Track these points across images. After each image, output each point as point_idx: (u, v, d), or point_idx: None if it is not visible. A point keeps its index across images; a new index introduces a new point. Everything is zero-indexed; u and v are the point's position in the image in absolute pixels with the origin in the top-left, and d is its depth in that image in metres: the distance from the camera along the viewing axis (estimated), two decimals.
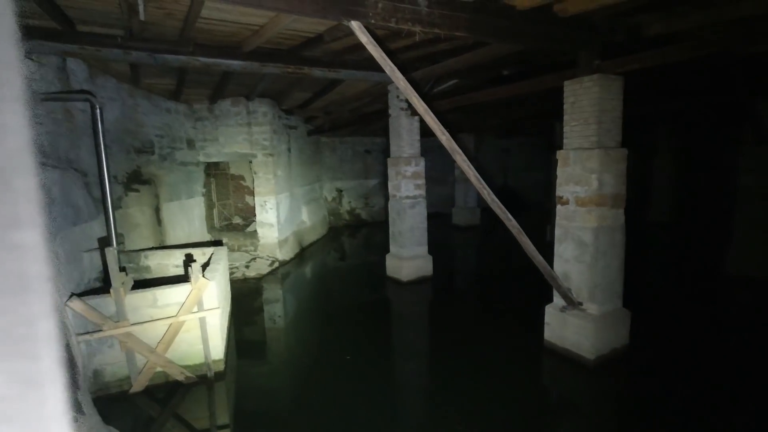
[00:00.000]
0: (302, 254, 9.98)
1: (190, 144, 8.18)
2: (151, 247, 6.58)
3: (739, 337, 5.33)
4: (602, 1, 3.47)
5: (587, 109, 4.15)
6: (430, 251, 7.67)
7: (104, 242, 4.91)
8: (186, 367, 4.22)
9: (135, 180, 6.50)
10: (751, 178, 6.67)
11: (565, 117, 4.39)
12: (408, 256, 7.36)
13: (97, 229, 4.98)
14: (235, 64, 5.21)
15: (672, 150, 12.32)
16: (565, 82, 4.37)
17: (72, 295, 3.76)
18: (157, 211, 7.07)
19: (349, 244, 11.77)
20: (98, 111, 4.68)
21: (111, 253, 3.87)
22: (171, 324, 4.08)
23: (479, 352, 4.85)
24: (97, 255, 4.86)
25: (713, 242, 9.42)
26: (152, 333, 4.06)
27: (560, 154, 4.46)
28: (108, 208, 4.77)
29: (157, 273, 5.63)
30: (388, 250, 7.81)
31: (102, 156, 4.72)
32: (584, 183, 4.22)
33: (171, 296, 4.14)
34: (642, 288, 6.95)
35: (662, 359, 4.55)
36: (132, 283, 4.28)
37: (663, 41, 4.13)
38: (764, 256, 6.66)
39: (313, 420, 3.66)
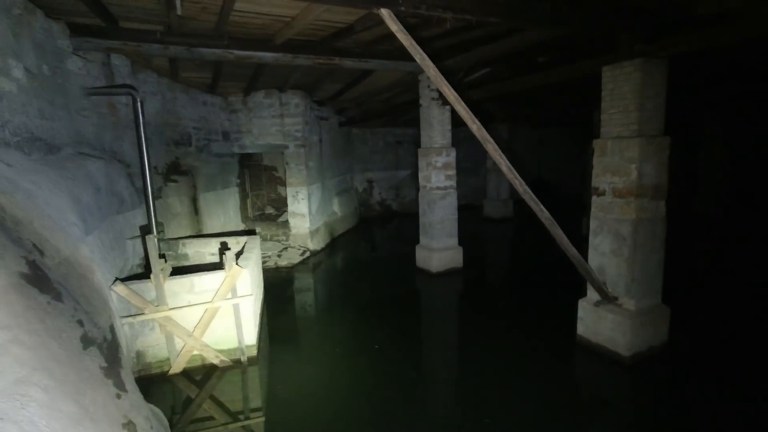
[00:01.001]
0: (333, 244, 10.10)
1: (225, 136, 8.40)
2: (188, 235, 6.84)
3: None
4: None
5: (627, 95, 3.96)
6: (460, 243, 7.59)
7: (145, 230, 5.15)
8: (221, 351, 4.38)
9: (174, 171, 6.76)
10: None
11: (603, 104, 4.21)
12: (438, 248, 7.32)
13: (139, 218, 5.22)
14: (267, 56, 5.30)
15: (721, 138, 11.58)
16: (604, 68, 4.18)
17: (116, 279, 3.96)
18: (194, 201, 7.33)
19: (379, 235, 11.82)
20: (139, 104, 4.87)
21: (151, 240, 4.04)
22: (207, 309, 4.24)
23: (509, 346, 4.79)
24: (139, 242, 5.10)
25: (763, 237, 8.85)
26: (190, 318, 4.23)
27: (597, 144, 4.29)
28: (149, 198, 4.98)
29: (194, 260, 5.85)
30: (418, 242, 7.79)
31: (143, 148, 4.92)
32: (623, 173, 4.04)
33: (207, 283, 4.29)
34: (684, 284, 6.63)
35: (702, 359, 4.34)
36: (171, 269, 4.46)
37: (714, 20, 3.86)
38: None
39: (341, 406, 3.73)
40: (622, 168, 4.05)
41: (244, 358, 4.42)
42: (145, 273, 4.75)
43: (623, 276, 4.16)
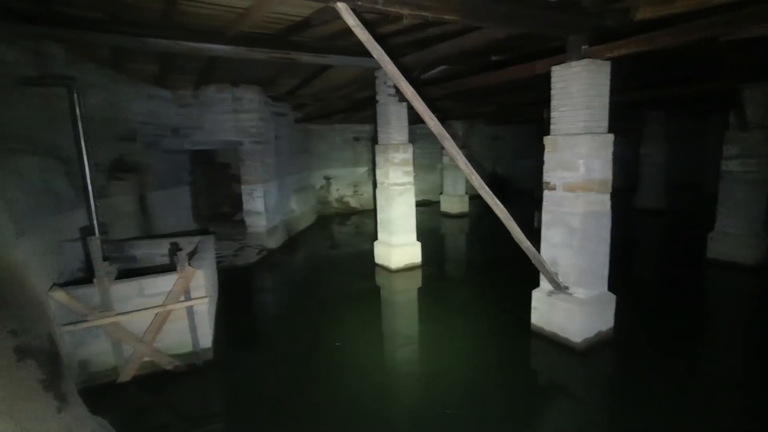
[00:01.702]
0: (291, 243, 9.93)
1: (176, 131, 8.02)
2: (136, 236, 6.48)
3: (717, 318, 5.48)
4: None
5: (575, 94, 4.16)
6: (419, 239, 7.68)
7: (87, 232, 4.81)
8: (175, 356, 4.19)
9: (119, 168, 6.37)
10: (735, 163, 6.78)
11: (554, 102, 4.39)
12: (397, 244, 7.37)
13: (80, 219, 4.87)
14: (220, 48, 5.10)
15: (659, 136, 12.43)
16: (553, 68, 4.36)
17: (54, 285, 3.69)
18: (142, 200, 6.95)
19: (338, 232, 11.75)
20: (76, 96, 4.53)
21: (94, 242, 3.79)
22: (158, 313, 4.03)
23: (468, 338, 4.91)
24: (80, 245, 4.76)
25: (698, 227, 9.60)
26: (140, 323, 4.01)
27: (548, 140, 4.47)
28: (90, 197, 4.66)
29: (143, 262, 5.55)
30: (376, 238, 7.80)
31: (81, 143, 4.59)
32: (572, 168, 4.24)
33: (158, 286, 4.09)
34: (627, 272, 7.08)
35: (645, 341, 4.65)
36: (116, 272, 4.21)
37: (652, 27, 4.12)
38: (743, 241, 6.80)
39: (303, 405, 3.67)
40: (571, 163, 4.24)
41: (199, 362, 4.25)
42: (87, 277, 4.45)
43: (573, 266, 4.37)
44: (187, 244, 5.53)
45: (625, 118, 14.36)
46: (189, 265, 4.12)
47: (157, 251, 5.62)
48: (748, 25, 3.38)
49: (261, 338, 5.24)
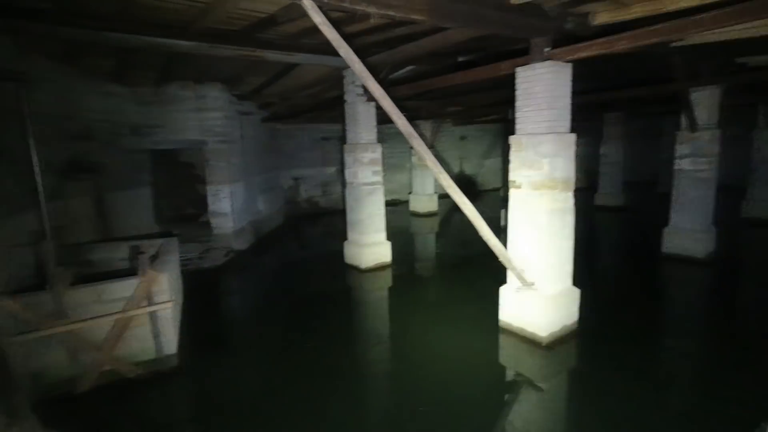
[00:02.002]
0: (259, 244, 9.73)
1: (136, 130, 7.70)
2: (93, 239, 6.18)
3: (673, 309, 5.78)
4: None
5: (539, 95, 4.27)
6: (388, 238, 7.70)
7: (39, 236, 4.54)
8: (137, 363, 4.02)
9: (74, 169, 6.04)
10: (686, 162, 7.16)
11: (519, 103, 4.49)
12: (367, 243, 7.36)
13: (31, 222, 4.59)
14: (182, 44, 4.92)
15: (618, 136, 12.96)
16: (518, 69, 4.46)
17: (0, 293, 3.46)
18: (100, 201, 6.63)
19: (307, 233, 11.61)
20: (24, 93, 4.27)
21: (46, 247, 3.58)
22: (118, 320, 3.86)
23: (438, 335, 4.95)
24: (32, 250, 4.49)
25: (654, 223, 10.08)
26: (99, 330, 3.83)
27: (514, 140, 4.57)
28: (41, 199, 4.40)
29: (102, 267, 5.29)
30: (346, 238, 7.76)
31: (31, 142, 4.33)
32: (536, 167, 4.35)
33: (118, 291, 3.91)
34: (589, 267, 7.35)
35: (607, 333, 4.84)
36: (72, 278, 4.00)
37: (610, 31, 4.29)
38: (695, 235, 7.18)
39: (274, 409, 3.60)
40: (536, 162, 4.35)
41: (164, 369, 4.10)
42: (40, 284, 4.20)
43: (539, 262, 4.49)
44: (148, 247, 5.32)
45: (586, 119, 14.93)
46: (151, 268, 3.97)
47: (116, 255, 5.38)
48: (697, 32, 3.57)
49: (228, 342, 5.11)
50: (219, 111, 8.18)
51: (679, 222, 7.39)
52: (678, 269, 7.12)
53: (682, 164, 7.25)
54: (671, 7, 3.79)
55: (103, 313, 3.82)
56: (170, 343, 4.22)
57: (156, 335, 4.08)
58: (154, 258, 4.84)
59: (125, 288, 3.92)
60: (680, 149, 7.24)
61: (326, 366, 4.31)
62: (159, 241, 5.50)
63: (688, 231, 7.27)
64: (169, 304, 4.13)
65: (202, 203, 9.53)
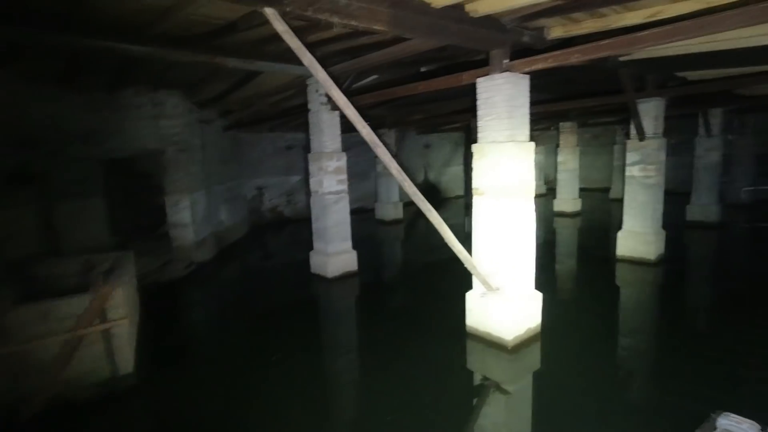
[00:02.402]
0: (222, 255, 9.44)
1: (87, 138, 7.31)
2: (39, 254, 5.80)
3: (628, 309, 6.07)
4: (508, 4, 3.67)
5: (500, 104, 4.40)
6: (354, 246, 7.66)
7: None
8: (90, 385, 3.78)
9: (16, 178, 5.67)
10: (636, 169, 7.56)
11: (480, 112, 4.61)
12: (333, 252, 7.30)
13: None
14: (137, 49, 4.75)
15: (573, 145, 13.54)
16: (479, 79, 4.59)
17: None
18: (46, 213, 6.25)
19: (271, 243, 11.39)
20: None
21: None
22: (67, 340, 3.62)
23: (406, 343, 4.95)
24: None
25: (608, 228, 10.57)
26: (45, 352, 3.57)
27: (476, 148, 4.68)
28: None
29: (49, 284, 4.97)
30: (312, 248, 7.67)
31: None
32: (498, 175, 4.47)
33: (67, 309, 3.67)
34: (550, 271, 7.60)
35: (569, 335, 5.00)
36: (13, 296, 3.73)
37: (564, 44, 4.50)
38: (646, 239, 7.58)
39: (237, 427, 3.47)
40: (497, 170, 4.47)
41: (120, 391, 3.87)
42: None
43: (503, 268, 4.59)
44: (102, 260, 5.05)
45: (544, 128, 15.52)
46: (104, 283, 3.76)
47: (65, 270, 5.06)
48: (640, 47, 3.81)
49: (189, 358, 4.90)
50: (178, 118, 7.92)
51: (632, 226, 7.77)
52: (632, 271, 7.48)
53: (632, 171, 7.65)
54: (617, 24, 4.03)
55: (50, 333, 3.57)
56: (126, 362, 4.00)
57: (110, 354, 3.85)
58: (108, 272, 4.59)
59: (75, 305, 3.69)
60: (630, 157, 7.64)
61: (292, 379, 4.21)
62: (113, 255, 5.23)
63: (639, 234, 7.65)
64: (125, 321, 3.92)
65: (160, 214, 9.16)
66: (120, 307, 3.90)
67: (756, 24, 3.14)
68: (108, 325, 3.79)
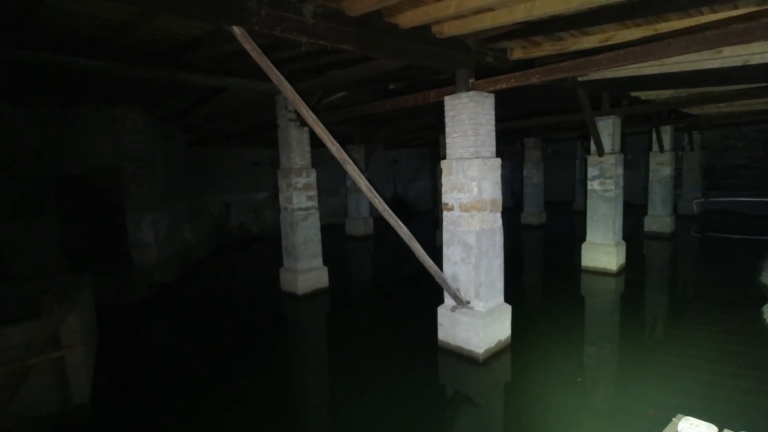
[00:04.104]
0: (187, 275, 9.11)
1: (38, 155, 6.96)
2: None
3: (594, 318, 6.25)
4: (472, 26, 3.81)
5: (466, 122, 4.51)
6: (325, 262, 7.57)
7: None
8: (39, 419, 3.52)
9: None
10: (596, 183, 7.89)
11: (447, 129, 4.71)
12: (303, 269, 7.18)
13: None
14: (95, 63, 4.58)
15: (537, 160, 14.01)
16: (446, 98, 4.70)
17: None
18: None
19: (239, 261, 11.11)
20: None
21: None
22: (14, 370, 3.37)
23: (377, 359, 4.91)
24: None
25: (573, 239, 10.92)
26: None
27: (444, 164, 4.77)
28: None
29: None
30: (281, 265, 7.53)
31: None
32: (466, 190, 4.56)
33: (13, 337, 3.43)
34: (518, 283, 7.76)
35: (538, 345, 5.09)
36: None
37: (526, 65, 4.69)
38: (608, 249, 7.88)
39: None
40: (465, 185, 4.56)
41: (73, 423, 3.63)
42: None
43: (472, 281, 4.65)
44: (55, 284, 4.76)
45: (509, 143, 16.00)
46: (57, 308, 3.55)
47: (12, 295, 4.74)
48: (595, 69, 4.02)
49: (152, 386, 4.64)
50: (139, 134, 7.65)
51: (594, 238, 8.07)
52: (595, 281, 7.74)
53: (592, 185, 7.98)
54: (574, 47, 4.24)
55: None
56: (82, 391, 3.76)
57: (63, 384, 3.62)
58: (62, 295, 4.33)
59: (22, 333, 3.46)
60: (590, 171, 7.98)
61: (259, 403, 4.08)
62: (68, 277, 4.95)
63: (601, 246, 7.95)
64: (79, 348, 3.70)
65: (120, 233, 8.77)
66: (75, 332, 3.69)
67: (697, 51, 3.38)
68: (60, 352, 3.57)
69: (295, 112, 6.74)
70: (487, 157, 4.60)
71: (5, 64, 4.85)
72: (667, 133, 11.21)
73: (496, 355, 4.71)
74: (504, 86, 4.37)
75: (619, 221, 7.97)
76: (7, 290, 4.77)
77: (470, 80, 4.51)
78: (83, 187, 8.79)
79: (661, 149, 11.19)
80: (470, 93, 4.47)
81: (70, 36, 4.22)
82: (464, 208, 4.61)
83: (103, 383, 4.30)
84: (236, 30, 2.97)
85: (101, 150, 7.43)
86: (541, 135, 13.84)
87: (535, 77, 4.16)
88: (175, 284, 8.37)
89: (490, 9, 3.51)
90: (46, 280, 4.84)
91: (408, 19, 3.68)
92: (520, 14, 3.43)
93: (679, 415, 2.23)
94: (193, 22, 3.83)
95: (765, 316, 5.47)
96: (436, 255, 4.82)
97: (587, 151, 8.14)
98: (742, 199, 13.98)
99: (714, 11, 3.50)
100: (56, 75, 5.47)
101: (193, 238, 10.35)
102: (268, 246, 12.07)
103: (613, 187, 7.75)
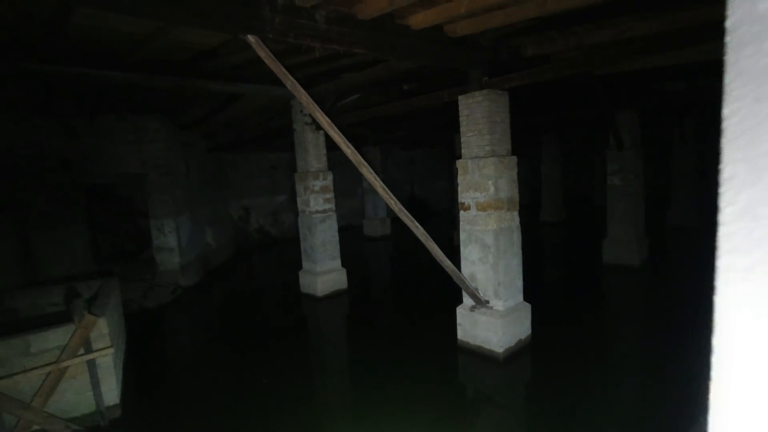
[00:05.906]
0: (209, 278, 9.31)
1: (66, 164, 7.23)
2: (17, 284, 5.66)
3: (616, 315, 6.13)
4: (485, 24, 3.80)
5: (480, 121, 4.50)
6: (343, 264, 7.64)
7: None
8: (73, 419, 3.67)
9: None
10: (617, 178, 7.75)
11: (462, 128, 4.71)
12: (322, 271, 7.26)
13: None
14: (117, 75, 4.75)
15: (555, 156, 13.81)
16: (459, 97, 4.69)
17: None
18: (24, 242, 6.12)
19: (259, 264, 11.29)
20: None
21: None
22: (50, 372, 3.52)
23: (398, 360, 4.93)
24: None
25: (593, 236, 10.72)
26: (27, 385, 3.47)
27: (460, 163, 4.76)
28: None
29: (30, 315, 4.84)
30: (301, 267, 7.63)
31: None
32: (482, 189, 4.55)
33: (49, 340, 3.58)
34: (538, 281, 7.67)
35: (559, 344, 5.03)
36: None
37: (540, 61, 4.65)
38: (630, 245, 7.73)
39: None
40: (481, 184, 4.55)
41: (105, 422, 3.76)
42: None
43: (491, 280, 4.63)
44: (85, 289, 4.95)
45: (527, 141, 15.81)
46: (89, 312, 3.69)
47: (46, 300, 4.95)
48: (614, 62, 3.96)
49: (178, 387, 4.79)
50: (160, 142, 7.88)
51: (615, 234, 7.92)
52: (618, 278, 7.59)
53: (613, 180, 7.83)
54: (589, 41, 4.18)
55: (31, 366, 3.48)
56: (112, 392, 3.90)
57: (95, 386, 3.75)
58: (92, 300, 4.50)
59: (58, 336, 3.61)
60: (610, 166, 7.84)
61: (284, 403, 4.15)
62: (97, 282, 5.13)
63: (623, 242, 7.80)
64: (110, 351, 3.84)
65: (145, 239, 9.05)
66: (105, 335, 3.83)
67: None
68: (92, 355, 3.71)
69: (311, 116, 6.82)
70: (503, 155, 4.58)
71: (36, 79, 5.08)
72: (689, 127, 10.90)
73: (516, 354, 4.68)
74: (518, 83, 4.34)
75: (641, 215, 7.80)
76: (42, 295, 4.98)
77: (484, 78, 4.50)
78: (108, 193, 9.08)
79: (684, 142, 10.88)
80: (484, 91, 4.46)
81: (94, 50, 4.40)
82: (481, 207, 4.59)
83: (132, 385, 4.45)
84: (250, 38, 3.04)
85: (125, 158, 7.68)
86: (558, 131, 13.63)
87: (548, 73, 4.12)
88: (198, 288, 8.57)
89: (501, 7, 3.50)
90: (78, 285, 5.03)
91: (420, 20, 3.70)
92: (532, 11, 3.41)
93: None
94: (209, 32, 3.94)
95: None
96: (454, 255, 4.82)
97: (606, 146, 7.98)
98: None
99: None
100: (82, 87, 5.68)
101: (214, 242, 10.57)
102: (288, 249, 12.24)
103: (633, 182, 7.59)
